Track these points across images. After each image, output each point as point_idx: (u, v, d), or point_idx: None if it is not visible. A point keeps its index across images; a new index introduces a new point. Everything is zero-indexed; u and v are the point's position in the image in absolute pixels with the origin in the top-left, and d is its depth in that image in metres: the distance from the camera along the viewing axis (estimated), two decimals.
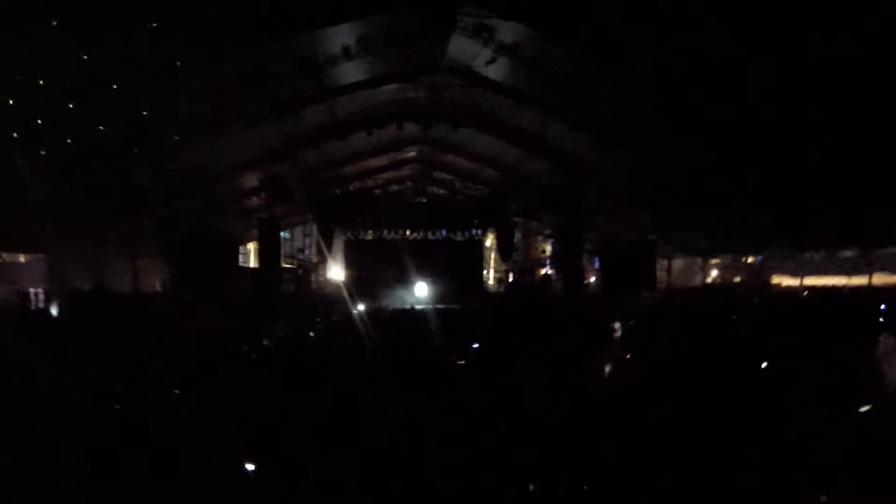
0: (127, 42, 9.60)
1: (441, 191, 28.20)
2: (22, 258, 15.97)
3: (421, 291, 24.41)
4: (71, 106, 10.04)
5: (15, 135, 10.04)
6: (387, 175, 27.07)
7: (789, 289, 20.28)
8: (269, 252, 19.65)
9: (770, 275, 21.78)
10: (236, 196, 20.77)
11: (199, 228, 18.19)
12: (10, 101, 9.00)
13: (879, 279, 17.01)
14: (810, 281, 19.53)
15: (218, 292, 17.23)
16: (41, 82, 9.12)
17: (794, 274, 20.33)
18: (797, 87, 11.11)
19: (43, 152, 10.86)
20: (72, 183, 12.70)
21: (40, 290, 14.91)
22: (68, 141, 11.11)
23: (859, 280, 17.14)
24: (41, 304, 14.56)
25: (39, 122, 9.87)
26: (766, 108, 12.27)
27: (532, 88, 16.29)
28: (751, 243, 20.68)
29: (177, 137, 13.43)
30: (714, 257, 25.06)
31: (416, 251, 24.71)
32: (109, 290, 15.76)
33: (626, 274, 20.97)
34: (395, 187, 28.04)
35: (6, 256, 15.00)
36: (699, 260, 24.99)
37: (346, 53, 13.83)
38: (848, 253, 18.28)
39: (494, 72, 15.72)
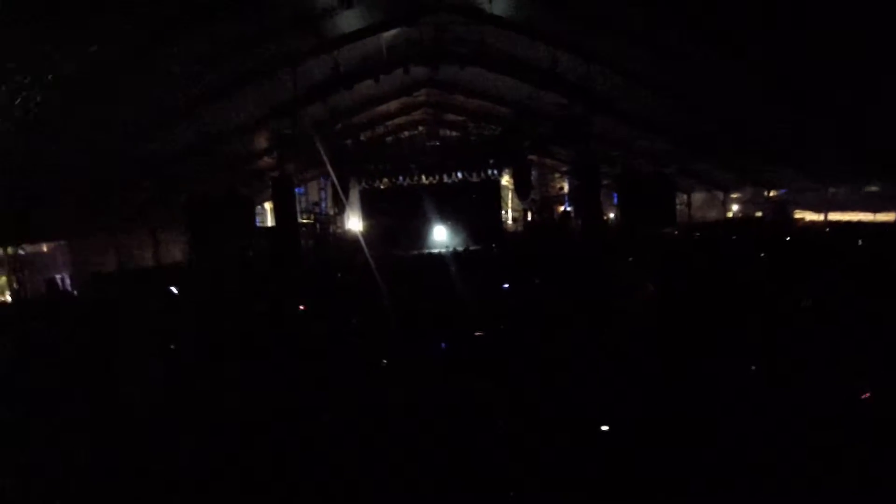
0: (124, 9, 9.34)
1: (454, 133, 27.66)
2: (45, 247, 16.15)
3: (440, 235, 24.52)
4: (74, 80, 9.88)
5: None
6: (398, 121, 26.61)
7: (813, 224, 19.72)
8: (284, 210, 19.59)
9: (792, 210, 21.22)
10: (247, 158, 20.64)
11: (213, 194, 18.16)
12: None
13: None
14: (834, 216, 18.91)
15: (237, 256, 17.34)
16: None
17: (816, 209, 19.73)
18: (830, 16, 10.44)
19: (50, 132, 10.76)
20: (83, 160, 12.66)
21: (66, 276, 15.16)
22: (76, 117, 10.99)
23: (885, 216, 16.49)
24: (68, 289, 14.79)
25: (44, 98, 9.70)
26: (796, 37, 11.59)
27: (538, 21, 15.62)
28: (773, 176, 20.02)
29: (181, 105, 13.25)
30: (735, 192, 24.48)
31: (433, 195, 24.62)
32: (133, 267, 16.02)
33: (645, 209, 20.58)
34: (406, 133, 27.56)
35: (28, 248, 15.19)
36: (720, 194, 24.45)
37: (344, 1, 13.33)
38: (873, 188, 17.51)
39: (499, 7, 15.09)
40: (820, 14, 10.52)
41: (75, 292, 14.79)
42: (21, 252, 14.73)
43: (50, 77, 9.41)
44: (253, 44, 13.16)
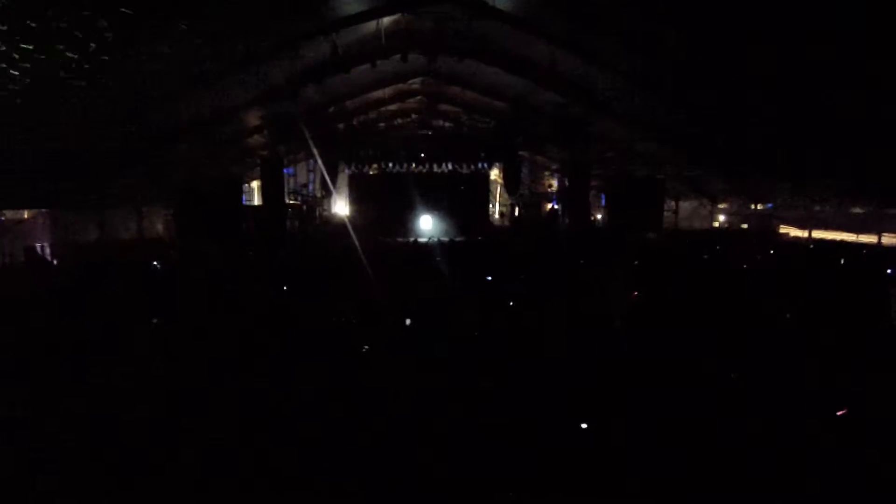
0: None
1: (447, 124, 27.57)
2: (26, 214, 15.85)
3: (426, 224, 24.47)
4: (68, 55, 9.63)
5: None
6: (391, 108, 26.38)
7: (797, 239, 20.02)
8: (272, 190, 19.38)
9: (777, 224, 21.53)
10: (239, 136, 20.34)
11: (201, 170, 17.91)
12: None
13: (888, 239, 16.55)
14: (818, 234, 19.20)
15: (221, 233, 17.12)
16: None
17: (801, 225, 20.05)
18: (824, 29, 10.48)
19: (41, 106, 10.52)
20: (72, 133, 12.38)
21: (46, 245, 14.88)
22: (67, 93, 10.72)
23: (868, 238, 16.80)
24: (48, 258, 14.55)
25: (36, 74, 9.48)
26: (791, 50, 11.64)
27: (540, 19, 15.55)
28: (762, 189, 20.21)
29: (177, 82, 13.00)
30: (722, 202, 24.73)
31: (421, 184, 24.54)
32: (114, 240, 15.77)
33: (632, 212, 20.74)
34: (399, 121, 27.39)
35: (9, 214, 14.87)
36: (707, 204, 24.67)
37: None
38: (858, 209, 17.74)
39: (502, 1, 14.98)
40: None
41: (55, 261, 14.54)
42: (1, 218, 14.43)
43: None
44: (252, 25, 12.92)
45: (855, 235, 17.55)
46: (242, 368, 5.85)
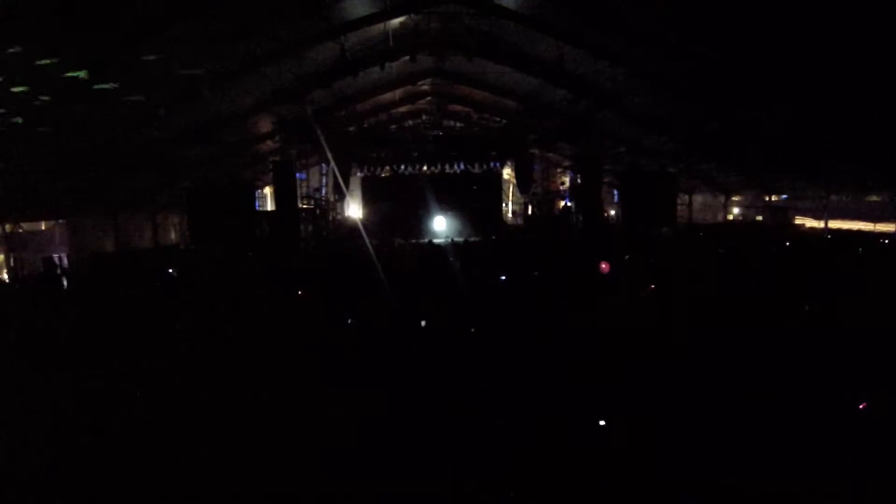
0: None
1: (457, 124, 27.53)
2: (42, 225, 16.11)
3: (440, 225, 24.45)
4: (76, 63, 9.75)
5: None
6: (401, 110, 26.41)
7: (813, 230, 19.66)
8: (285, 194, 19.50)
9: (793, 216, 21.19)
10: (250, 141, 20.49)
11: (214, 177, 18.04)
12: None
13: None
14: (834, 224, 18.80)
15: (234, 238, 17.24)
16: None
17: (817, 216, 19.68)
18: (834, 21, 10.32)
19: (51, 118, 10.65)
20: (82, 144, 12.53)
21: (63, 255, 15.11)
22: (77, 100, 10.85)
23: (885, 226, 16.43)
24: (65, 267, 14.75)
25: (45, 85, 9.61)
26: (802, 39, 11.49)
27: (547, 14, 15.46)
28: (776, 182, 19.89)
29: (184, 86, 13.10)
30: (736, 195, 24.40)
31: (434, 185, 24.55)
32: (130, 247, 15.95)
33: (646, 207, 20.56)
34: (410, 122, 27.41)
35: (26, 225, 15.09)
36: (721, 197, 24.39)
37: None
38: (875, 198, 17.29)
39: None
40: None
41: (71, 272, 14.71)
42: (19, 230, 14.66)
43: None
44: (259, 29, 12.98)
45: (872, 224, 17.18)
46: (242, 369, 5.90)
